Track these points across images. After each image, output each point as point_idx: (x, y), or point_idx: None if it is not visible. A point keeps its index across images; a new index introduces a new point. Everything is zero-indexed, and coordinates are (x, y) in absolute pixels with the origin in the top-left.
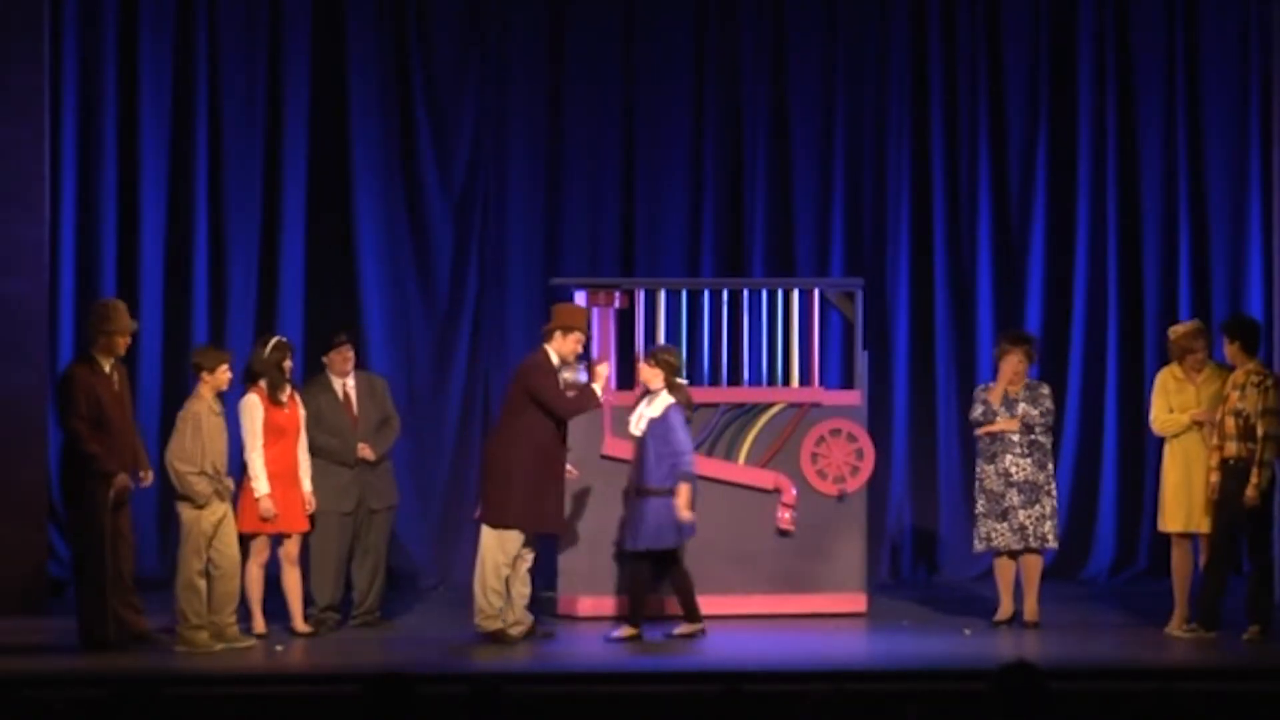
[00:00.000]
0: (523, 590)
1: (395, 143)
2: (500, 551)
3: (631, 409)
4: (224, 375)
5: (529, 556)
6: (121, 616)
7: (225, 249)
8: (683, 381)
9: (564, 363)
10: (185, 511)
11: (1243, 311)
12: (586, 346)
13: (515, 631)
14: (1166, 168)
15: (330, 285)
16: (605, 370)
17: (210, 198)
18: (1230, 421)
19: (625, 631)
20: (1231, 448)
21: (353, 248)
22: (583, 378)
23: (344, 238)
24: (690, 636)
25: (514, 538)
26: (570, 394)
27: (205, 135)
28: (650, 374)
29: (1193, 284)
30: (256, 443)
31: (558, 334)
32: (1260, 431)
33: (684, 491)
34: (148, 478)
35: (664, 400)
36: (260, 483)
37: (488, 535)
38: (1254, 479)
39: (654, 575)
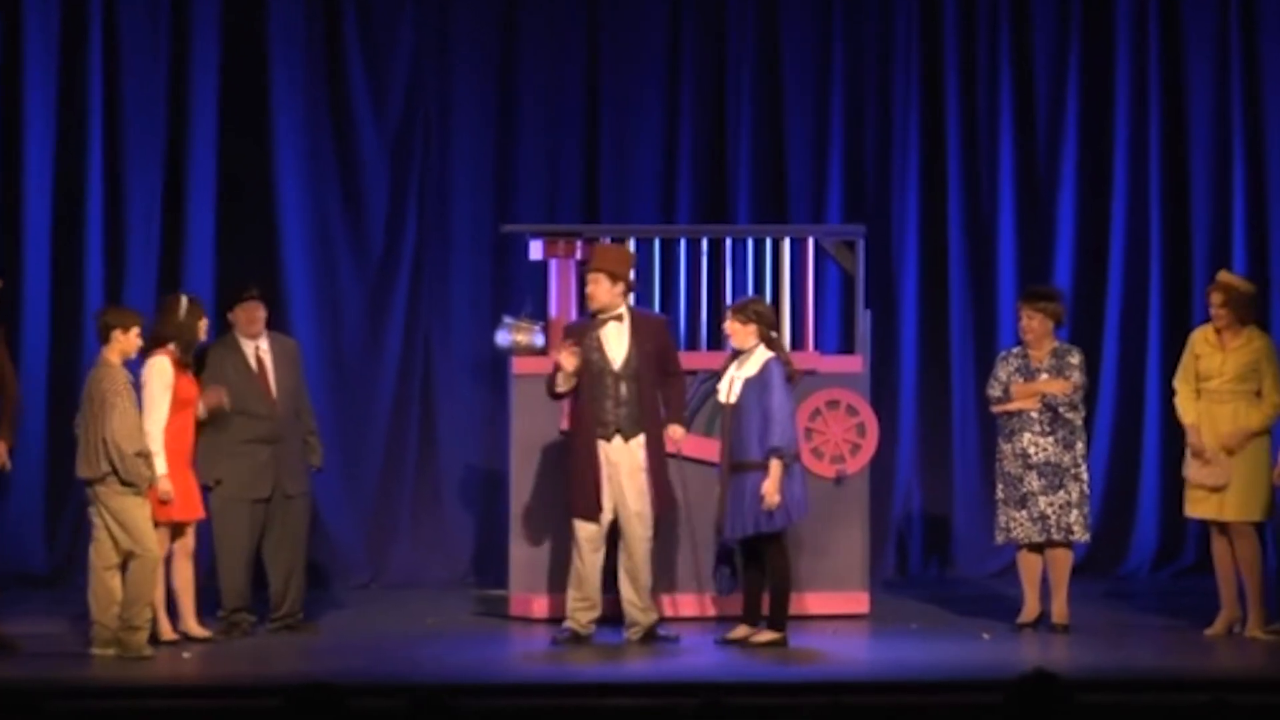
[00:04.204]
0: (627, 594)
1: (321, 65)
2: (576, 544)
3: (719, 375)
4: (135, 339)
5: (634, 552)
6: None
7: (122, 188)
8: (778, 337)
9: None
10: (118, 499)
11: None
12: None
13: (632, 634)
14: (1218, 96)
15: (245, 232)
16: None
17: (105, 126)
18: None
19: (766, 636)
20: None
21: (271, 188)
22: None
23: (261, 176)
24: (770, 645)
25: (579, 528)
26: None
27: (100, 54)
28: (741, 332)
29: (1248, 233)
30: (159, 413)
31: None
32: None
33: (774, 468)
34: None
35: (761, 356)
36: (160, 460)
37: None
38: None
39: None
